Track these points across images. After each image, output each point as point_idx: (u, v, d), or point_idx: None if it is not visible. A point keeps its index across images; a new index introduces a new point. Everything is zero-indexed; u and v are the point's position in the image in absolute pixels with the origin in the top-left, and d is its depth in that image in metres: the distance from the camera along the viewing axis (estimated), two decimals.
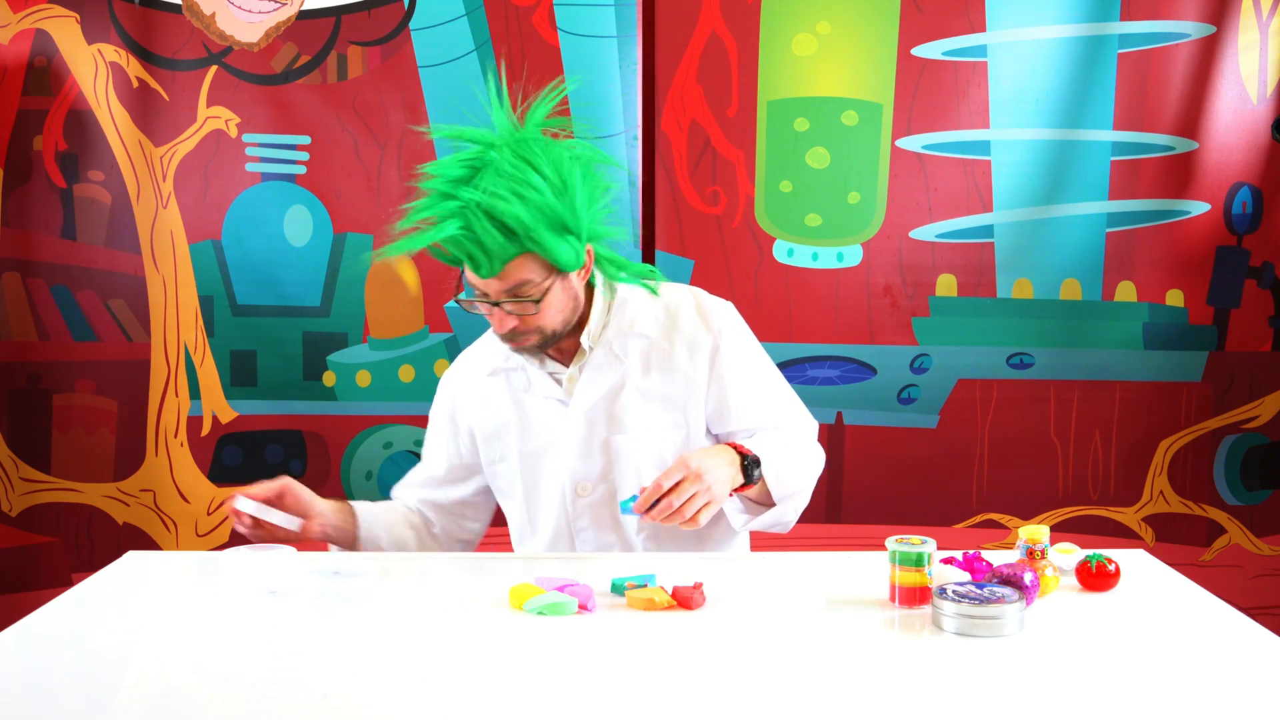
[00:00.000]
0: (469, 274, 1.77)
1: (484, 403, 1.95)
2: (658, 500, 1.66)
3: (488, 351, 1.97)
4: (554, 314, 1.80)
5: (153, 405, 2.81)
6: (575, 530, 1.91)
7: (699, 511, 1.67)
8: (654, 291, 1.90)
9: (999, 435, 2.84)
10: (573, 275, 1.80)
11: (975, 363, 2.83)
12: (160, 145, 2.77)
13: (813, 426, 1.97)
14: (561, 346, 1.88)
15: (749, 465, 1.74)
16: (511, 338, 1.81)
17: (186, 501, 2.83)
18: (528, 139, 1.77)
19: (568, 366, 1.89)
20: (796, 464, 1.84)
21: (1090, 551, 1.66)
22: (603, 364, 1.87)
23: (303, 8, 2.74)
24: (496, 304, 1.76)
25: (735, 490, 1.76)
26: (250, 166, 2.77)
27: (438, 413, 2.03)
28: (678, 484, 1.66)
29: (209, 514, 2.84)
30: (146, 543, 2.82)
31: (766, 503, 1.83)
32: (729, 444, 1.77)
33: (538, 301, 1.76)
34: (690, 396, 1.88)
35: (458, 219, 1.71)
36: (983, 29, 2.75)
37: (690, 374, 1.88)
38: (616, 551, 1.90)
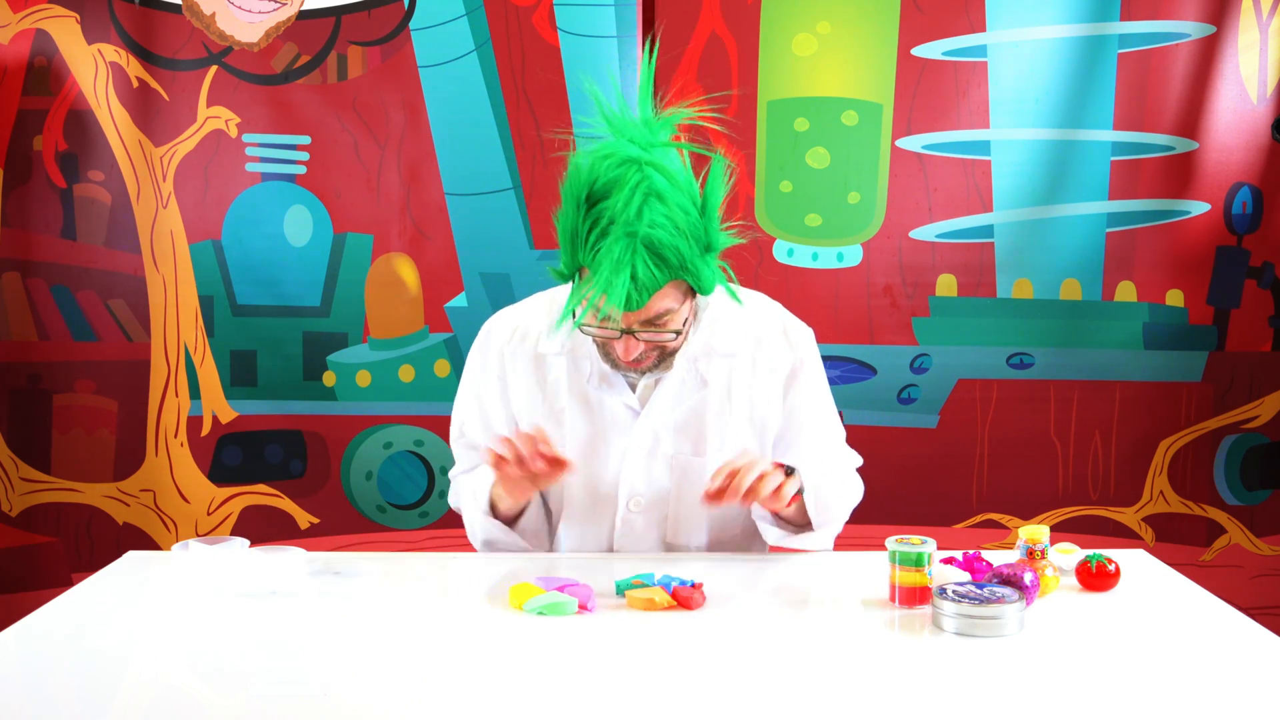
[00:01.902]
0: (603, 304, 1.60)
1: (538, 378, 1.81)
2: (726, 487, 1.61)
3: (545, 321, 1.81)
4: (682, 340, 1.70)
5: (153, 405, 2.81)
6: (616, 543, 1.83)
7: (781, 485, 1.63)
8: (738, 300, 1.73)
9: (999, 435, 2.84)
10: (697, 301, 1.70)
11: (975, 363, 2.83)
12: (160, 145, 2.77)
13: (857, 460, 1.94)
14: None
15: (789, 471, 1.71)
16: (636, 361, 1.67)
17: (186, 501, 2.83)
18: (668, 149, 1.63)
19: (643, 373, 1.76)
20: (837, 490, 1.82)
21: (1090, 551, 1.66)
22: (686, 381, 1.78)
23: (303, 8, 2.74)
24: (629, 332, 1.63)
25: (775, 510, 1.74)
26: (250, 166, 2.77)
27: (485, 373, 1.85)
28: (745, 467, 1.61)
29: (209, 514, 2.84)
30: (146, 543, 2.82)
31: (803, 525, 1.79)
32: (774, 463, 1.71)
33: (678, 332, 1.65)
34: (767, 420, 1.82)
35: (625, 257, 1.55)
36: (983, 29, 2.75)
37: (769, 396, 1.81)
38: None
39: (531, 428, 1.69)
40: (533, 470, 1.65)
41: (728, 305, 1.77)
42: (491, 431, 1.84)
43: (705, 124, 1.71)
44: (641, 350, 1.66)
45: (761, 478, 1.63)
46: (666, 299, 1.62)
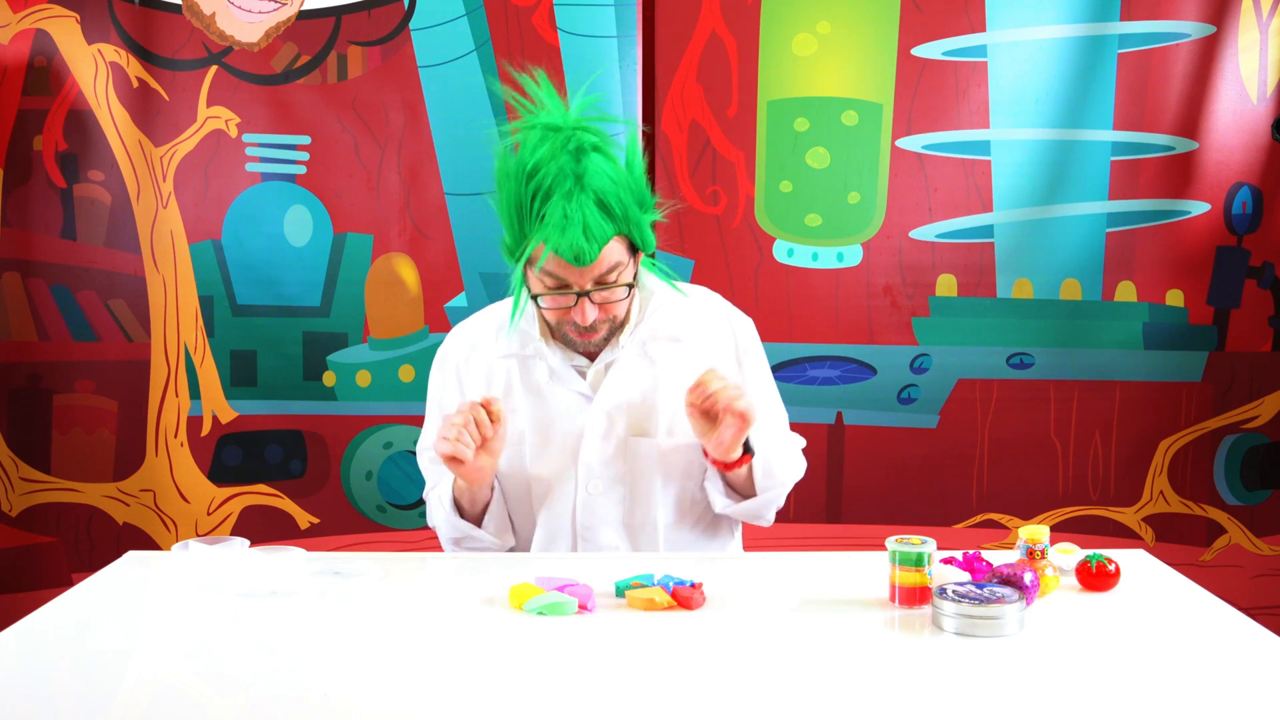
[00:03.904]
0: (554, 266, 1.71)
1: (491, 381, 1.89)
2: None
3: (494, 331, 1.91)
4: (629, 302, 1.79)
5: (153, 405, 2.81)
6: (580, 528, 1.88)
7: (739, 400, 1.68)
8: (681, 291, 1.89)
9: (999, 435, 2.84)
10: (637, 260, 1.80)
11: (975, 363, 2.83)
12: (160, 145, 2.77)
13: (801, 442, 1.98)
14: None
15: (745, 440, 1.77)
16: (589, 329, 1.77)
17: (186, 501, 2.83)
18: (599, 120, 1.74)
19: (591, 361, 1.86)
20: (782, 460, 1.87)
21: (1090, 551, 1.66)
22: (634, 363, 1.86)
23: (303, 8, 2.74)
24: (584, 294, 1.72)
25: (725, 466, 1.79)
26: (250, 166, 2.77)
27: (445, 388, 1.94)
28: (715, 379, 1.69)
29: (209, 514, 2.84)
30: (146, 543, 2.82)
31: (749, 492, 1.85)
32: None
33: (630, 286, 1.74)
34: None
35: (574, 210, 1.67)
36: (983, 29, 2.75)
37: None
38: (622, 553, 1.89)
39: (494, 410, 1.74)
40: (482, 434, 1.70)
41: (671, 296, 1.89)
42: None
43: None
44: (596, 316, 1.75)
45: (728, 388, 1.70)
46: (615, 253, 1.73)
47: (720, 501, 1.86)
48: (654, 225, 1.80)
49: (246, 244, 2.78)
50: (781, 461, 1.86)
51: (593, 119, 1.75)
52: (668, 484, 1.86)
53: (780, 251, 2.79)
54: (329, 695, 1.28)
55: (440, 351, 1.98)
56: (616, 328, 1.82)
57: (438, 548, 2.75)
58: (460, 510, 1.87)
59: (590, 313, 1.74)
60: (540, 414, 1.87)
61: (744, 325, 1.94)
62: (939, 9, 2.75)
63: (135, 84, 2.75)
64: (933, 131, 2.77)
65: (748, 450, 1.79)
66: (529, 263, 1.76)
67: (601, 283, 1.73)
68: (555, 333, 1.85)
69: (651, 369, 1.86)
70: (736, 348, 1.91)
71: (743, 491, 1.86)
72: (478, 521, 1.87)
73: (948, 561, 1.69)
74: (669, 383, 1.86)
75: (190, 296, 2.79)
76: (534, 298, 1.76)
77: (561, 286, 1.73)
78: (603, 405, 1.85)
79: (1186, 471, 2.87)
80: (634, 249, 1.78)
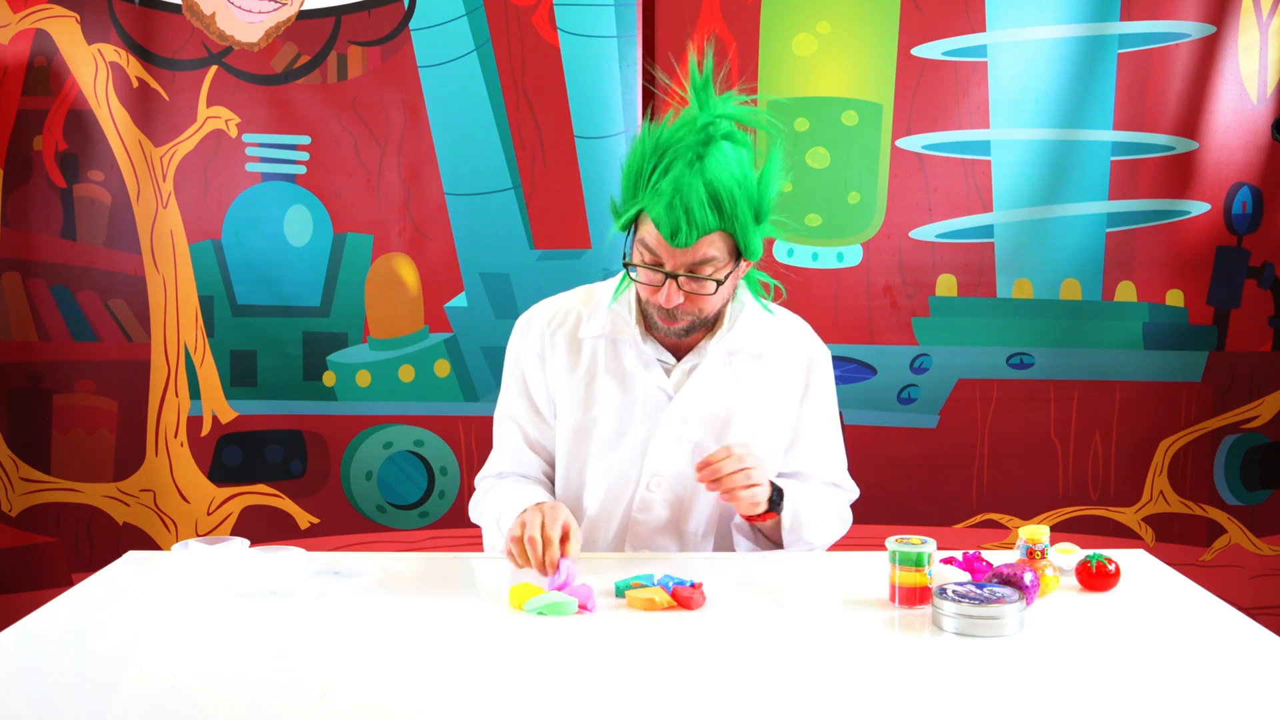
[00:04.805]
0: (652, 240, 1.71)
1: (574, 360, 1.88)
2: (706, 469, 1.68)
3: (587, 310, 1.90)
4: (719, 300, 1.78)
5: (153, 405, 2.81)
6: (631, 522, 1.86)
7: (747, 487, 1.68)
8: (769, 310, 1.88)
9: (999, 435, 2.84)
10: (739, 268, 1.78)
11: (975, 363, 2.83)
12: (160, 145, 2.77)
13: (853, 494, 1.98)
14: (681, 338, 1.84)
15: (774, 496, 1.77)
16: (670, 316, 1.76)
17: (186, 501, 2.83)
18: (743, 116, 1.75)
19: (678, 360, 1.86)
20: (818, 519, 1.86)
21: (1090, 551, 1.66)
22: (717, 372, 1.85)
23: (303, 8, 2.74)
24: (673, 276, 1.71)
25: (748, 518, 1.79)
26: (250, 166, 2.77)
27: (525, 354, 1.92)
28: (730, 456, 1.68)
29: (209, 514, 2.84)
30: (146, 543, 2.82)
31: (776, 541, 1.85)
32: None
33: (720, 283, 1.73)
34: (783, 426, 1.89)
35: (685, 188, 1.67)
36: (983, 29, 2.75)
37: (787, 402, 1.88)
38: (671, 552, 1.89)
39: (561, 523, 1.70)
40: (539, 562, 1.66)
41: (759, 313, 1.88)
42: (533, 406, 1.91)
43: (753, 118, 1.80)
44: (681, 302, 1.72)
45: (738, 473, 1.68)
46: (712, 247, 1.71)
47: (745, 544, 1.87)
48: (766, 240, 1.80)
49: (246, 244, 2.78)
50: (814, 522, 1.84)
51: (734, 114, 1.74)
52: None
53: (780, 251, 2.79)
54: (329, 695, 1.28)
55: (521, 321, 1.95)
56: (700, 325, 1.80)
57: (438, 547, 2.75)
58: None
59: (675, 296, 1.72)
60: (621, 401, 1.85)
61: (821, 357, 1.93)
62: (939, 9, 2.74)
63: (135, 84, 2.75)
64: (933, 131, 2.77)
65: (777, 504, 1.78)
66: (635, 231, 1.76)
67: (693, 271, 1.72)
68: (646, 320, 1.84)
69: (735, 381, 1.85)
70: (807, 375, 1.90)
71: (770, 538, 1.87)
72: None
73: (948, 561, 1.69)
74: (746, 398, 1.85)
75: (190, 296, 2.79)
76: (628, 266, 1.76)
77: (655, 264, 1.72)
78: (680, 407, 1.83)
79: (1186, 471, 2.87)
80: (737, 253, 1.76)
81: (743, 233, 1.71)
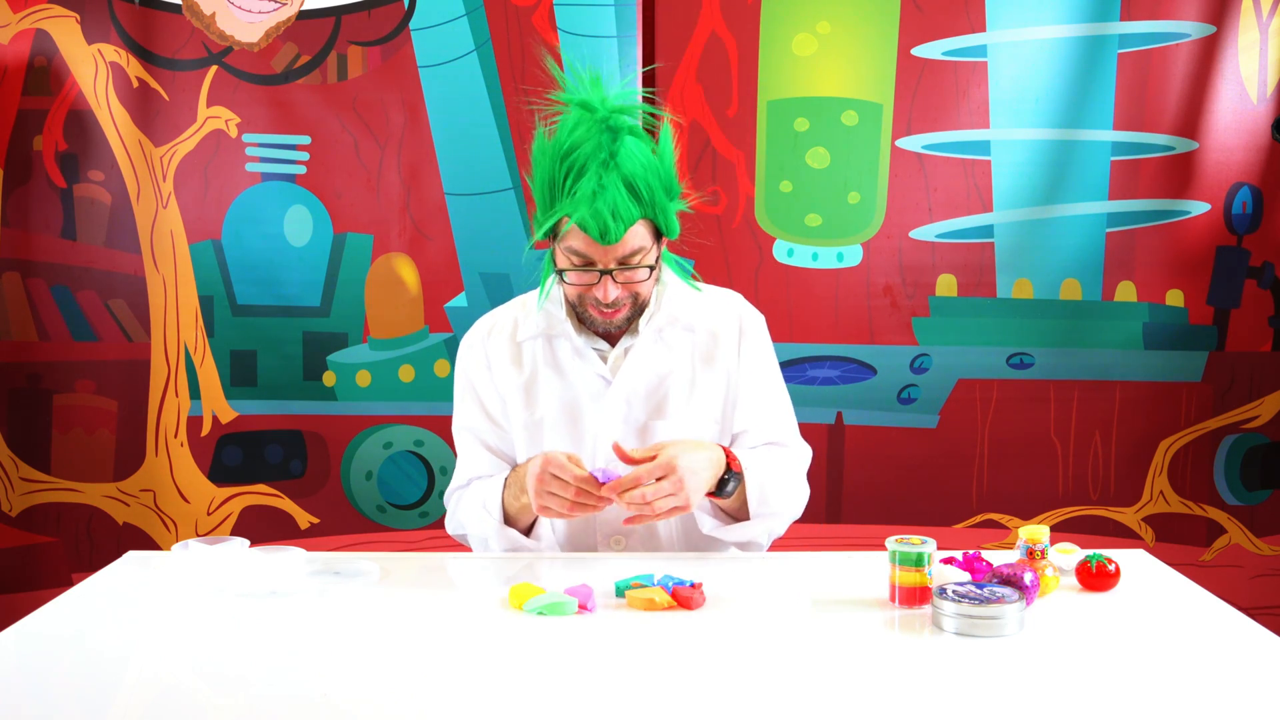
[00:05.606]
0: (580, 243, 1.75)
1: (517, 363, 1.92)
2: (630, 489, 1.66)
3: (518, 317, 1.95)
4: (651, 284, 1.84)
5: (153, 405, 2.81)
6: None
7: (668, 511, 1.67)
8: (696, 287, 1.93)
9: (999, 435, 2.84)
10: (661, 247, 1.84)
11: (975, 363, 2.83)
12: (160, 145, 2.77)
13: (807, 456, 1.97)
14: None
15: (727, 479, 1.75)
16: (611, 308, 1.80)
17: (186, 501, 2.83)
18: (635, 108, 1.80)
19: (612, 346, 1.90)
20: (782, 488, 1.84)
21: (1090, 551, 1.66)
22: (651, 349, 1.89)
23: (303, 8, 2.74)
24: (607, 272, 1.76)
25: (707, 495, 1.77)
26: (250, 166, 2.77)
27: (475, 366, 1.96)
28: (657, 480, 1.65)
29: (209, 514, 2.84)
30: (146, 543, 2.82)
31: (742, 516, 1.83)
32: (723, 448, 1.76)
33: (652, 269, 1.78)
34: (727, 393, 1.91)
35: (604, 188, 1.72)
36: (983, 29, 2.75)
37: (727, 370, 1.91)
38: (634, 538, 1.89)
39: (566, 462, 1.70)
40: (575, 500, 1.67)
41: (684, 288, 1.94)
42: (486, 413, 1.94)
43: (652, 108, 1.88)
44: (618, 294, 1.78)
45: (663, 498, 1.64)
46: (639, 236, 1.77)
47: (708, 523, 1.85)
48: (679, 214, 1.84)
49: (246, 244, 2.78)
50: (779, 491, 1.83)
51: (629, 106, 1.79)
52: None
53: (780, 251, 2.79)
54: (329, 695, 1.28)
55: (464, 340, 1.99)
56: (637, 311, 1.85)
57: (437, 547, 2.75)
58: (508, 518, 1.86)
59: (613, 290, 1.77)
60: (564, 394, 1.90)
61: (753, 320, 1.96)
62: (939, 9, 2.74)
63: (135, 84, 2.75)
64: (933, 131, 2.77)
65: (724, 484, 1.76)
66: (557, 239, 1.80)
67: (624, 263, 1.76)
68: (579, 315, 1.88)
69: (669, 354, 1.90)
70: (739, 337, 1.93)
71: (734, 515, 1.85)
72: (527, 532, 1.87)
73: (948, 561, 1.69)
74: (682, 368, 1.89)
75: (190, 296, 2.79)
76: (559, 273, 1.80)
77: (586, 264, 1.77)
78: (621, 390, 1.87)
79: (1186, 471, 2.87)
80: (658, 234, 1.82)
81: (662, 215, 1.78)
